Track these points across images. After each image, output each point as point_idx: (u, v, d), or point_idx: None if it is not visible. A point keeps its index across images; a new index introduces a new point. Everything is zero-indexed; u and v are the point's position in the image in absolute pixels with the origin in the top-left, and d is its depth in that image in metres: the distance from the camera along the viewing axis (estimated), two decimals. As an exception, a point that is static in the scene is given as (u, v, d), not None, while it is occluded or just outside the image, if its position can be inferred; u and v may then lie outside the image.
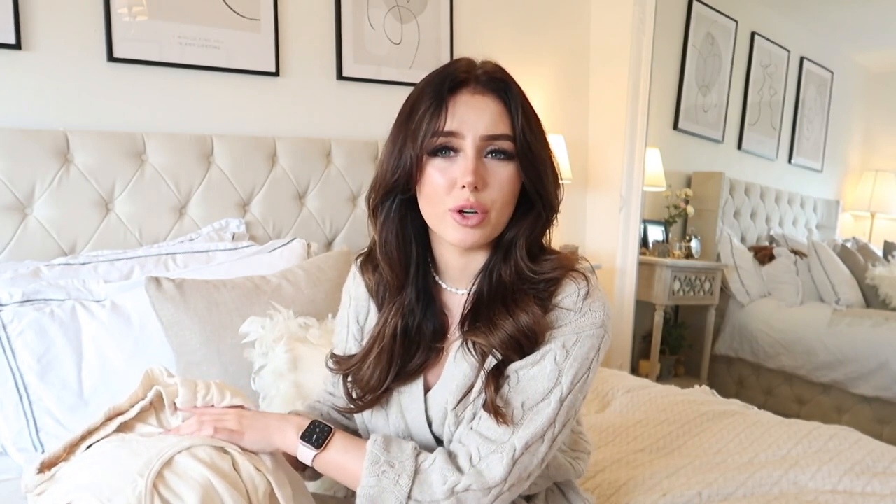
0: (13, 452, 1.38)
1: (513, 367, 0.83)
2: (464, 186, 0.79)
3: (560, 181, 0.88)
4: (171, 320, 1.44)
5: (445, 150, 0.81)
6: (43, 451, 1.38)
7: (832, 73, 4.22)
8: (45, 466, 0.78)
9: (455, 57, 2.54)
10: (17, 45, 1.69)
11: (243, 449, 0.83)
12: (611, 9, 3.00)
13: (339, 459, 0.84)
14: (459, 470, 0.80)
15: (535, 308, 0.83)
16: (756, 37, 3.78)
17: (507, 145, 0.81)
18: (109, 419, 0.83)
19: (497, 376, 0.83)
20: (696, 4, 3.41)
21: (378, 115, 2.31)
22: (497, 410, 0.81)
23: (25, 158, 1.66)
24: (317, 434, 0.85)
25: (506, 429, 0.81)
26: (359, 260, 0.98)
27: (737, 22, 3.65)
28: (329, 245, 2.20)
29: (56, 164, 1.70)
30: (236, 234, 1.94)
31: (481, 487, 0.80)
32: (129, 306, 1.52)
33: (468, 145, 0.80)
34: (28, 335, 1.41)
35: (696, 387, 1.94)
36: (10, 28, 1.67)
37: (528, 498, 0.98)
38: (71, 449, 0.81)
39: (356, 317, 0.99)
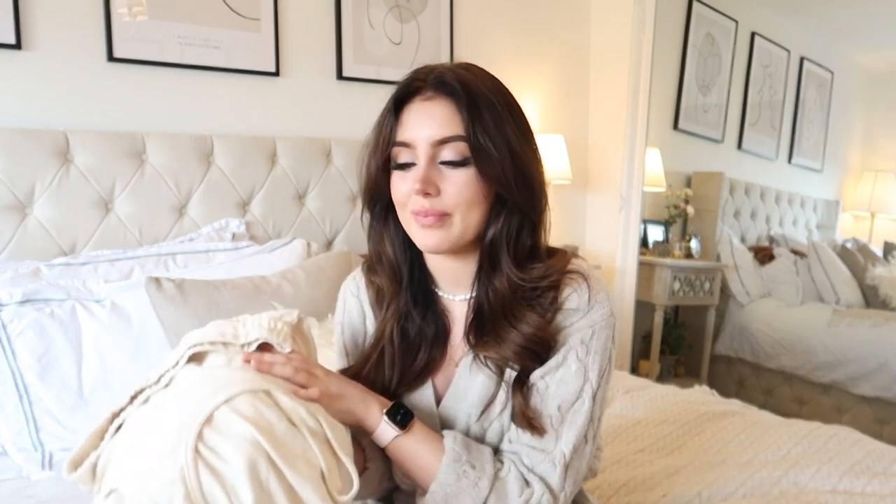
0: (13, 452, 1.38)
1: (536, 375, 0.82)
2: (417, 193, 0.79)
3: (537, 180, 0.84)
4: (172, 320, 1.44)
5: (405, 166, 0.81)
6: (43, 452, 1.38)
7: (832, 73, 4.22)
8: (75, 464, 0.72)
9: (455, 57, 2.55)
10: (17, 45, 1.69)
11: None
12: (611, 9, 3.00)
13: (417, 448, 0.80)
14: (527, 482, 0.80)
15: (535, 316, 0.82)
16: (756, 37, 3.78)
17: (460, 147, 0.78)
18: (133, 398, 0.76)
19: (521, 386, 0.82)
20: (696, 4, 3.41)
21: (378, 115, 2.30)
22: (530, 422, 0.80)
23: (25, 158, 1.66)
24: (401, 415, 0.81)
25: (548, 436, 0.81)
26: (364, 265, 0.97)
27: (737, 22, 3.65)
28: (329, 245, 2.20)
29: (56, 164, 1.71)
30: (236, 234, 1.94)
31: (549, 500, 0.79)
32: (129, 306, 1.52)
33: (421, 153, 0.79)
34: (28, 335, 1.41)
35: (696, 387, 1.94)
36: (10, 28, 1.67)
37: None
38: (100, 435, 0.73)
39: (350, 322, 0.97)
